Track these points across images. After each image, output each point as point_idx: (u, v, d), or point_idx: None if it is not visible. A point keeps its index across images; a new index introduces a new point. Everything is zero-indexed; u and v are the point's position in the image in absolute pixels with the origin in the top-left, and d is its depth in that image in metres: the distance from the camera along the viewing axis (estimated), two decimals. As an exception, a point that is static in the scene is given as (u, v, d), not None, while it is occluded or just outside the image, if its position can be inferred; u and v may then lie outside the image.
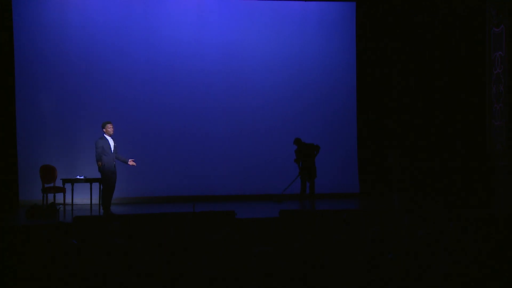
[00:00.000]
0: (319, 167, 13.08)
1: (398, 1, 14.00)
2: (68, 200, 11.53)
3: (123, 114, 13.13)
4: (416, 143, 13.79)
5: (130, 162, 11.05)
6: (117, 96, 13.30)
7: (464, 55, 13.29)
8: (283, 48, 14.04)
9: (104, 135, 10.80)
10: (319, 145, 13.08)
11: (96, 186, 11.50)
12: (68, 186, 11.50)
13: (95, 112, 13.00)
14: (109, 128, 10.81)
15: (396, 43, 14.08)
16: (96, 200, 11.48)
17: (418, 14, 13.88)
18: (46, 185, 11.65)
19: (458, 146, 13.36)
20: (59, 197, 11.57)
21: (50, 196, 11.54)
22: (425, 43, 13.86)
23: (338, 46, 14.30)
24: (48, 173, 11.83)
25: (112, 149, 10.75)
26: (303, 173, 13.03)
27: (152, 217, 9.00)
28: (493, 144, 12.18)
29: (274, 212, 9.55)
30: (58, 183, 11.79)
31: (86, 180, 11.48)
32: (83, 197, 11.91)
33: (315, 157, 13.04)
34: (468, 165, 13.07)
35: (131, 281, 4.75)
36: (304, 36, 14.14)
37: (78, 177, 11.58)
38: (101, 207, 10.87)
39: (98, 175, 10.98)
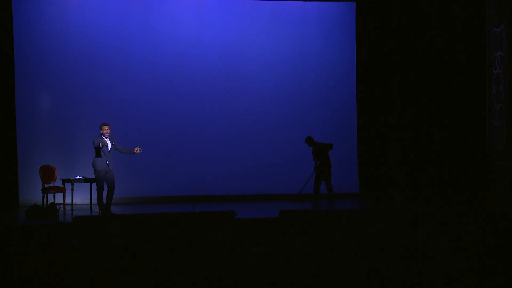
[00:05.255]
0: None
1: (398, 1, 13.99)
2: (68, 200, 11.53)
3: (122, 114, 13.12)
4: (416, 143, 13.78)
5: (137, 150, 11.03)
6: (117, 96, 13.29)
7: (464, 55, 13.29)
8: (283, 48, 14.03)
9: (101, 135, 10.86)
10: (332, 143, 13.05)
11: (96, 186, 11.50)
12: (68, 186, 11.51)
13: (95, 112, 12.99)
14: (104, 130, 10.83)
15: (396, 42, 14.07)
16: (96, 200, 11.48)
17: (418, 13, 13.87)
18: (46, 185, 11.66)
19: (458, 146, 13.35)
20: (59, 197, 11.58)
21: (50, 196, 11.55)
22: (425, 42, 13.85)
23: (338, 46, 14.28)
24: (48, 173, 11.84)
25: (109, 149, 10.80)
26: (318, 173, 12.96)
27: (152, 217, 9.00)
28: (493, 144, 12.19)
29: (274, 212, 9.55)
30: (58, 183, 11.80)
31: (86, 180, 11.48)
32: (83, 197, 11.92)
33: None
34: (468, 165, 13.06)
35: (131, 281, 4.75)
36: (304, 36, 14.13)
37: (78, 177, 11.58)
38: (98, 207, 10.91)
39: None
